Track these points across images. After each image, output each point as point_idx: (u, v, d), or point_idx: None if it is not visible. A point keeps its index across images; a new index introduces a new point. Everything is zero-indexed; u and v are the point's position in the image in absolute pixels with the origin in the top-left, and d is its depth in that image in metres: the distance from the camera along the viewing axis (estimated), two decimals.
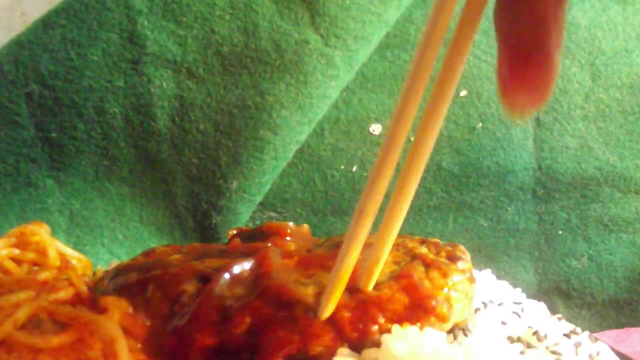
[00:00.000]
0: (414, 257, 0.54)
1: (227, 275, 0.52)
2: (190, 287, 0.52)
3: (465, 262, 0.55)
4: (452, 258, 0.55)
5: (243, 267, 0.53)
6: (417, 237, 0.60)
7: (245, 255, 0.55)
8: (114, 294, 0.54)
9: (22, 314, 0.48)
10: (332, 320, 0.47)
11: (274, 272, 0.51)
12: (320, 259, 0.54)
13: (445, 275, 0.52)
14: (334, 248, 0.57)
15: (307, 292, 0.50)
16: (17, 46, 0.79)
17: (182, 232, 0.87)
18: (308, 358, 0.47)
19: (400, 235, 0.58)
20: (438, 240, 0.58)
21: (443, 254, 0.56)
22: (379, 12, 0.84)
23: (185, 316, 0.50)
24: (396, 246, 0.57)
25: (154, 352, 0.50)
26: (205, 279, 0.53)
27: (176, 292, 0.52)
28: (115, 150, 0.84)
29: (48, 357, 0.47)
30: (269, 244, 0.58)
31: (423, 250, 0.56)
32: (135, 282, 0.54)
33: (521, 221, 0.95)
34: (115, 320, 0.50)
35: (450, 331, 0.51)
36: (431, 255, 0.55)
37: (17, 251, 0.57)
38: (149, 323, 0.51)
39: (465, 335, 0.49)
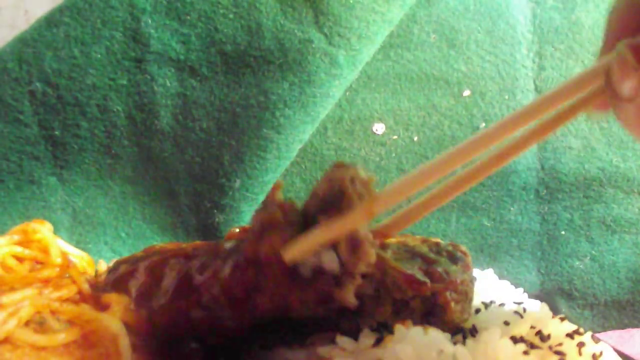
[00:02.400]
0: (415, 255, 0.54)
1: (207, 252, 0.52)
2: (174, 269, 0.53)
3: (465, 262, 0.55)
4: (453, 258, 0.55)
5: (226, 245, 0.53)
6: (418, 236, 0.60)
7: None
8: (110, 289, 0.54)
9: (25, 312, 0.48)
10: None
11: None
12: None
13: (445, 275, 0.52)
14: None
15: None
16: (20, 44, 0.79)
17: (184, 231, 0.87)
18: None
19: (401, 234, 0.58)
20: (439, 240, 0.58)
21: (444, 253, 0.56)
22: (383, 11, 0.83)
23: (167, 293, 0.51)
24: (397, 244, 0.57)
25: (155, 348, 0.50)
26: (189, 259, 0.54)
27: (161, 274, 0.53)
28: (118, 149, 0.84)
29: (51, 355, 0.47)
30: None
31: (424, 249, 0.56)
32: (126, 273, 0.55)
33: (524, 221, 0.95)
34: (118, 317, 0.50)
35: (454, 332, 0.51)
36: (432, 255, 0.55)
37: (19, 249, 0.57)
38: (143, 311, 0.52)
39: (469, 335, 0.49)
